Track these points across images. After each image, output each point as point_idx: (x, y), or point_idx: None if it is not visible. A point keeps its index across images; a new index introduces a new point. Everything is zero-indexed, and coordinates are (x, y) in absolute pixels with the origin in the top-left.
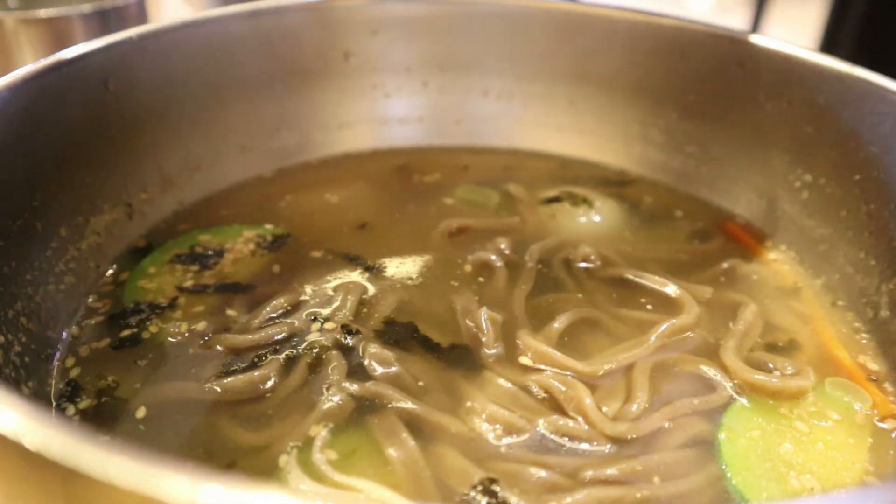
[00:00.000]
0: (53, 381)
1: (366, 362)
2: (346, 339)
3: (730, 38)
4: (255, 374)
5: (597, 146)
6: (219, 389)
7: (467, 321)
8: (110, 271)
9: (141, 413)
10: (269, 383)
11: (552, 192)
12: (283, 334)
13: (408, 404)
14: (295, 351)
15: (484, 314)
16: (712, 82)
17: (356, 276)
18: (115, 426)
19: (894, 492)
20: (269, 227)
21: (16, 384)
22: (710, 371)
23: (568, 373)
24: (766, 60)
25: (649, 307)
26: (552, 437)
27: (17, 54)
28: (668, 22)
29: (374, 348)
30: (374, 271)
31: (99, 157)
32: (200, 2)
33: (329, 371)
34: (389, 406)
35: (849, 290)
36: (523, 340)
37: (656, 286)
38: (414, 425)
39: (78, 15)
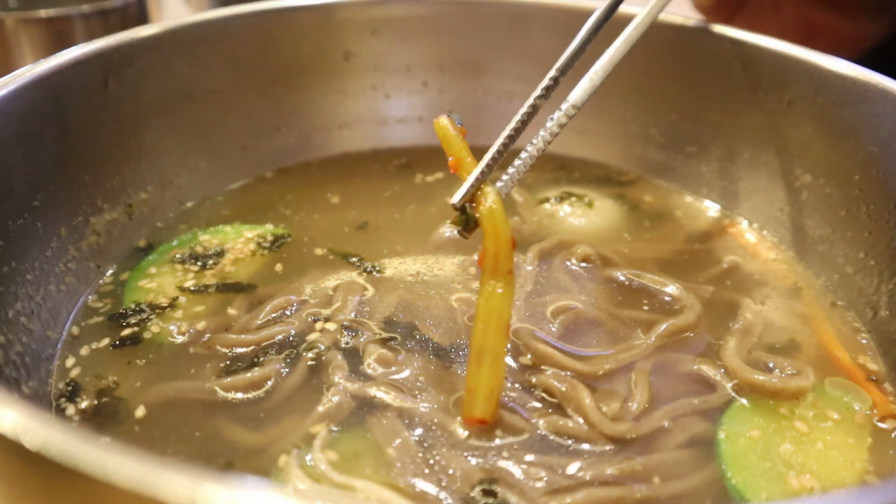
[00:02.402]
0: (53, 381)
1: (366, 362)
2: (346, 339)
3: (730, 39)
4: (255, 374)
5: (597, 146)
6: (219, 389)
7: (467, 320)
8: (110, 271)
9: (140, 413)
10: (269, 383)
11: (552, 192)
12: (284, 334)
13: (408, 404)
14: (295, 351)
15: None
16: (712, 82)
17: (356, 276)
18: (115, 426)
19: (894, 492)
20: (269, 227)
21: (16, 384)
22: (709, 371)
23: (568, 373)
24: (766, 60)
25: (649, 307)
26: (552, 437)
27: (17, 54)
28: (669, 22)
29: (374, 348)
30: (374, 271)
31: (99, 157)
32: (200, 2)
33: (329, 371)
34: (389, 406)
35: (848, 290)
36: (524, 340)
37: (656, 286)
38: (414, 425)
39: (78, 15)
